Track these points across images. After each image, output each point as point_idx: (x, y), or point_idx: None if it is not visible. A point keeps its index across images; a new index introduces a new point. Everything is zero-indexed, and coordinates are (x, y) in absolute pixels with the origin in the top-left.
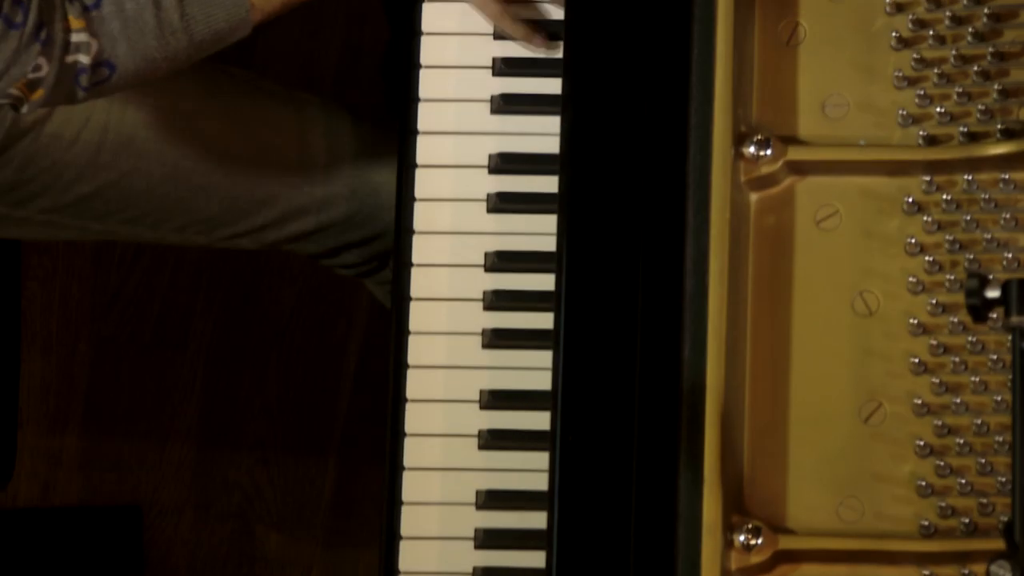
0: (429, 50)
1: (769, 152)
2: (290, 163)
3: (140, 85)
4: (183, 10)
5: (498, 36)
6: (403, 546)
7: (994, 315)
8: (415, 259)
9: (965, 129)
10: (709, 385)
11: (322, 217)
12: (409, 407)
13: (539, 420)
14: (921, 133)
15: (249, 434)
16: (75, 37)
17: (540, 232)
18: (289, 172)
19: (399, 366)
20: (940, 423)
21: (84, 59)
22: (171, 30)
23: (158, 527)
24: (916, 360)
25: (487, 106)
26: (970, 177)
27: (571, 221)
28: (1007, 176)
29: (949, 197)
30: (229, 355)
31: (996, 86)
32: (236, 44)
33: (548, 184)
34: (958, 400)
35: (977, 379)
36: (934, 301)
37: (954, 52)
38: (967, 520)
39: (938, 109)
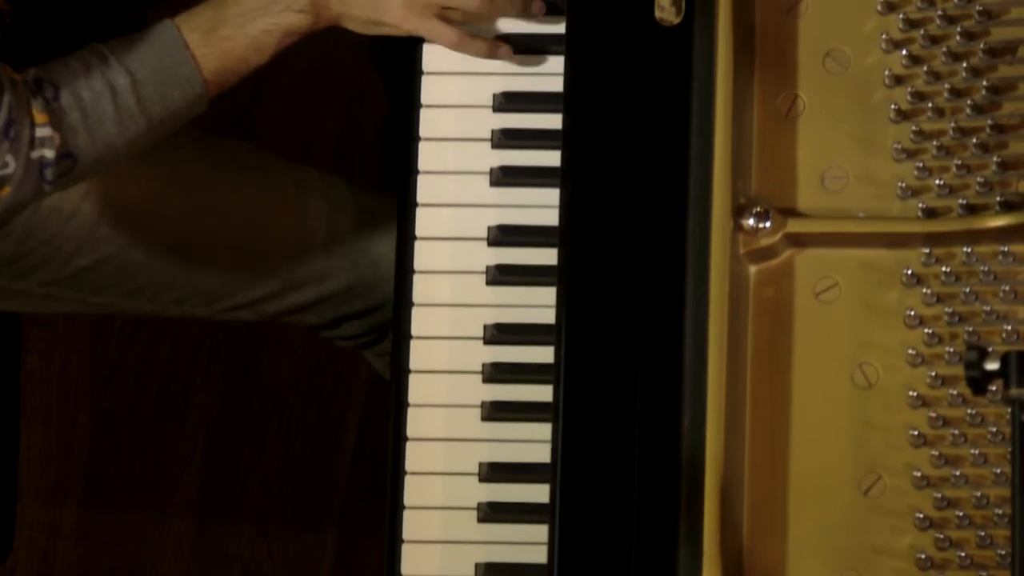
0: (428, 123)
1: (768, 224)
2: (290, 235)
3: (103, 172)
4: (138, 93)
5: (497, 109)
6: None
7: (993, 387)
8: (415, 331)
9: (964, 202)
10: (708, 457)
11: (322, 288)
12: (408, 479)
13: (539, 493)
14: (920, 205)
15: (248, 507)
16: (39, 132)
17: (539, 304)
18: (289, 244)
19: (398, 438)
20: (940, 496)
21: (49, 153)
22: (128, 114)
23: None
24: (915, 432)
25: (486, 178)
26: (969, 249)
27: (570, 293)
28: (1006, 248)
29: (948, 269)
30: (229, 427)
31: (995, 159)
32: (235, 115)
33: (547, 256)
34: (957, 473)
35: (977, 452)
36: (933, 373)
37: (953, 124)
38: None
39: (937, 181)
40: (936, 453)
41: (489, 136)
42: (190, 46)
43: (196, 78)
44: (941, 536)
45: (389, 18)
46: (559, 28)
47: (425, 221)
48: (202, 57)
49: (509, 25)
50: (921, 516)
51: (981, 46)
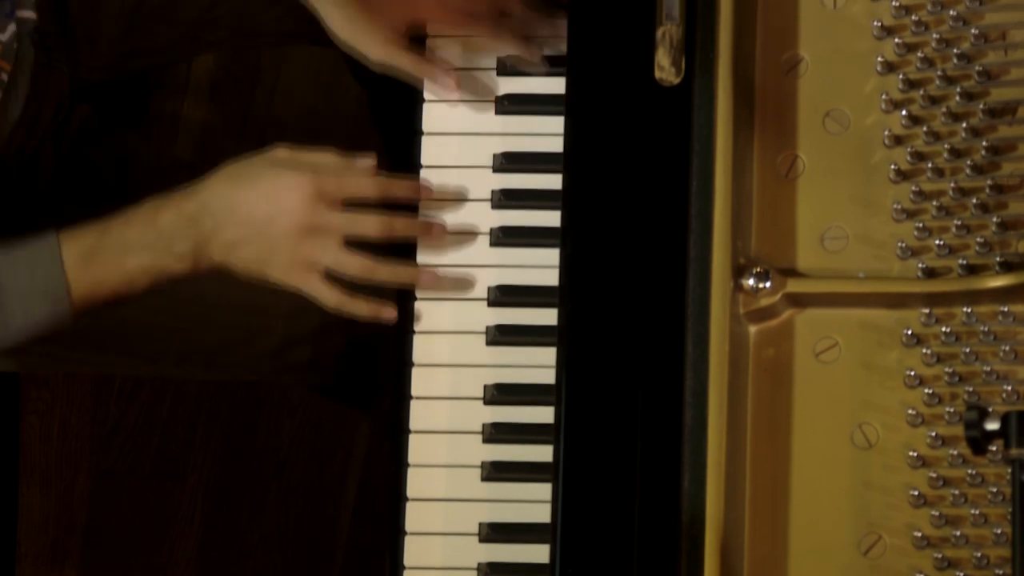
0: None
1: (768, 284)
2: (287, 294)
3: None
4: (2, 301)
5: (497, 169)
6: None
7: (993, 447)
8: (414, 391)
9: (964, 262)
10: (708, 517)
11: (320, 347)
12: (408, 540)
13: (539, 553)
14: (920, 265)
15: (248, 567)
16: None
17: (540, 365)
18: (287, 302)
19: (398, 498)
20: (940, 556)
21: None
22: None
23: None
24: (915, 492)
25: (486, 238)
26: (969, 309)
27: (571, 353)
28: (1006, 308)
29: (948, 329)
30: (228, 487)
31: (995, 219)
32: None
33: (548, 317)
34: (958, 533)
35: (977, 512)
36: (933, 433)
37: (953, 185)
38: None
39: (937, 241)
40: (936, 513)
41: (489, 196)
42: (66, 267)
43: (64, 299)
44: None
45: (273, 274)
46: (559, 88)
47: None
48: (75, 282)
49: (509, 85)
50: None
51: (981, 106)
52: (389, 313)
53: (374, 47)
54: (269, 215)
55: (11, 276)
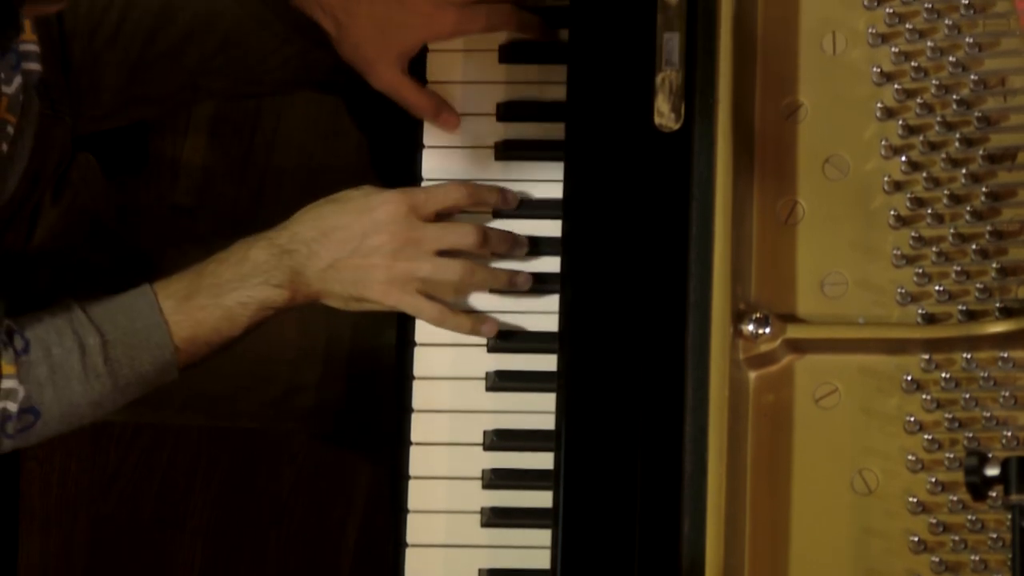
0: None
1: (768, 330)
2: (291, 341)
3: (65, 431)
4: (107, 354)
5: (497, 215)
6: None
7: (993, 493)
8: (414, 437)
9: (964, 307)
10: (708, 562)
11: (322, 395)
12: None
13: None
14: (920, 311)
15: None
16: (5, 383)
17: (539, 411)
18: (289, 350)
19: (398, 544)
20: None
21: (12, 406)
22: (96, 374)
23: None
24: (915, 539)
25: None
26: (969, 355)
27: (570, 399)
28: (1006, 354)
29: (948, 375)
30: (228, 534)
31: (994, 264)
32: (236, 224)
33: (547, 363)
34: None
35: (977, 558)
36: (933, 479)
37: (952, 231)
38: None
39: (937, 287)
40: (936, 559)
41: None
42: (164, 312)
43: (167, 344)
44: None
45: (371, 294)
46: (559, 134)
47: (424, 326)
48: (175, 324)
49: (508, 131)
50: None
51: (980, 152)
52: (489, 328)
53: (381, 74)
54: (363, 232)
55: (112, 327)
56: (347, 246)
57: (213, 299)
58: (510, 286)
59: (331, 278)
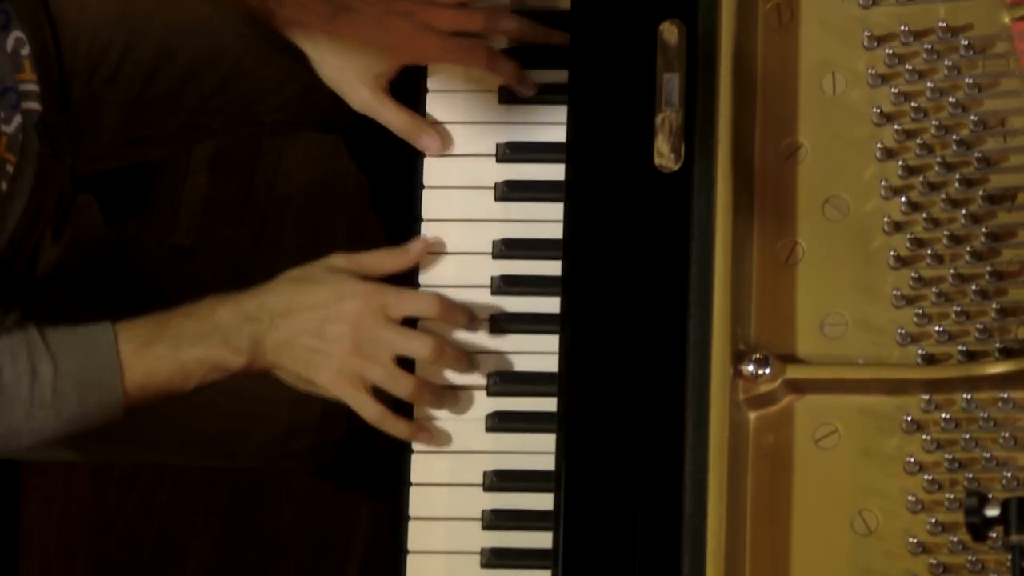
0: (428, 270)
1: (768, 371)
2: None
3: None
4: (56, 385)
5: (497, 256)
6: None
7: (994, 534)
8: (414, 478)
9: (964, 348)
10: None
11: (321, 435)
12: None
13: None
14: (920, 352)
15: None
16: None
17: (539, 451)
18: (288, 391)
19: None
20: None
21: None
22: (40, 404)
23: None
24: None
25: (486, 325)
26: (969, 396)
27: (570, 440)
28: (1006, 395)
29: (948, 416)
30: (228, 574)
31: (994, 305)
32: (237, 262)
33: (547, 404)
34: None
35: None
36: (933, 520)
37: (952, 271)
38: None
39: (936, 328)
40: None
41: (489, 283)
42: (121, 355)
43: (117, 387)
44: None
45: (320, 380)
46: (559, 174)
47: (424, 367)
48: (129, 369)
49: (508, 172)
50: None
51: (980, 193)
52: (425, 436)
53: (361, 95)
54: (327, 318)
55: (67, 359)
56: (309, 327)
57: (171, 351)
58: (452, 407)
59: (286, 354)
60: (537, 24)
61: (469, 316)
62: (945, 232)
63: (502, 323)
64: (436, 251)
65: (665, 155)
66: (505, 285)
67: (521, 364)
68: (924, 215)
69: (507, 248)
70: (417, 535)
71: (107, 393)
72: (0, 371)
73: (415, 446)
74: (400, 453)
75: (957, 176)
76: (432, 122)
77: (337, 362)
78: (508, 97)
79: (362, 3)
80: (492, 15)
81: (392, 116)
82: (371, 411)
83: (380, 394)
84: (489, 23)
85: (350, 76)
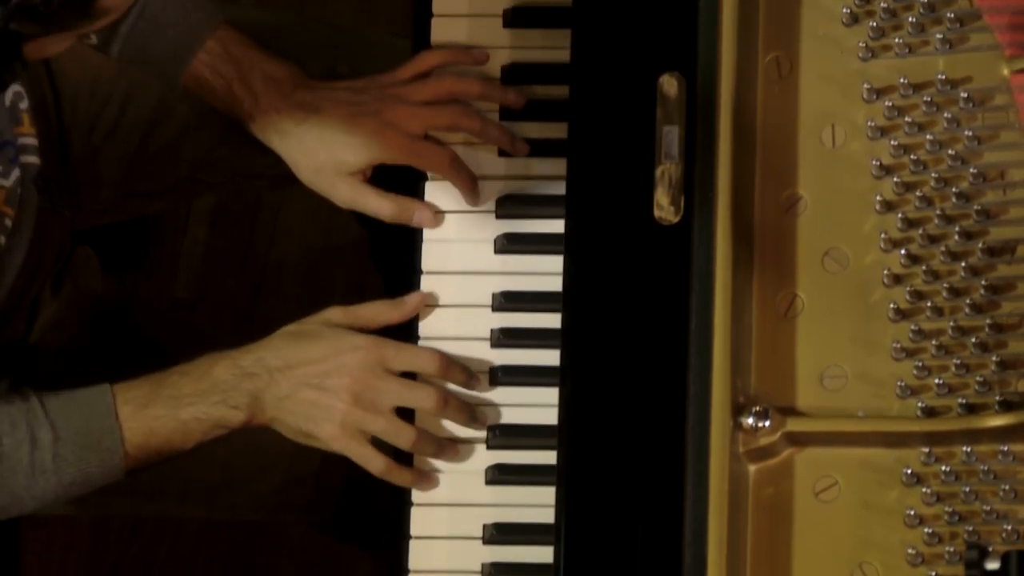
0: (428, 323)
1: (767, 423)
2: None
3: (2, 518)
4: (56, 451)
5: (497, 308)
6: None
7: None
8: (414, 531)
9: (964, 401)
10: None
11: (321, 486)
12: None
13: None
14: (920, 404)
15: None
16: None
17: (538, 504)
18: (287, 441)
19: None
20: None
21: None
22: (42, 470)
23: None
24: None
25: (485, 377)
26: (969, 449)
27: (569, 493)
28: (1006, 448)
29: (948, 468)
30: None
31: (994, 358)
32: (236, 312)
33: (547, 457)
34: None
35: None
36: (934, 573)
37: (952, 324)
38: None
39: (936, 381)
40: None
41: (488, 336)
42: (120, 417)
43: (117, 449)
44: None
45: (321, 434)
46: (558, 227)
47: (423, 419)
48: (128, 431)
49: (508, 226)
50: None
51: (980, 246)
52: (429, 483)
53: (342, 191)
54: (326, 372)
55: (66, 424)
56: (308, 382)
57: (170, 410)
58: (454, 458)
59: (286, 409)
60: (500, 125)
61: (468, 374)
62: (945, 285)
63: (502, 375)
64: (434, 304)
65: (665, 207)
66: (505, 338)
67: (521, 417)
68: (924, 267)
69: (507, 301)
70: None
71: (108, 456)
72: (0, 439)
73: (415, 498)
74: (400, 505)
75: (957, 228)
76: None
77: (339, 415)
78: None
79: (332, 103)
80: (457, 113)
81: (377, 205)
82: (376, 463)
83: (379, 444)
84: (453, 120)
85: (327, 175)
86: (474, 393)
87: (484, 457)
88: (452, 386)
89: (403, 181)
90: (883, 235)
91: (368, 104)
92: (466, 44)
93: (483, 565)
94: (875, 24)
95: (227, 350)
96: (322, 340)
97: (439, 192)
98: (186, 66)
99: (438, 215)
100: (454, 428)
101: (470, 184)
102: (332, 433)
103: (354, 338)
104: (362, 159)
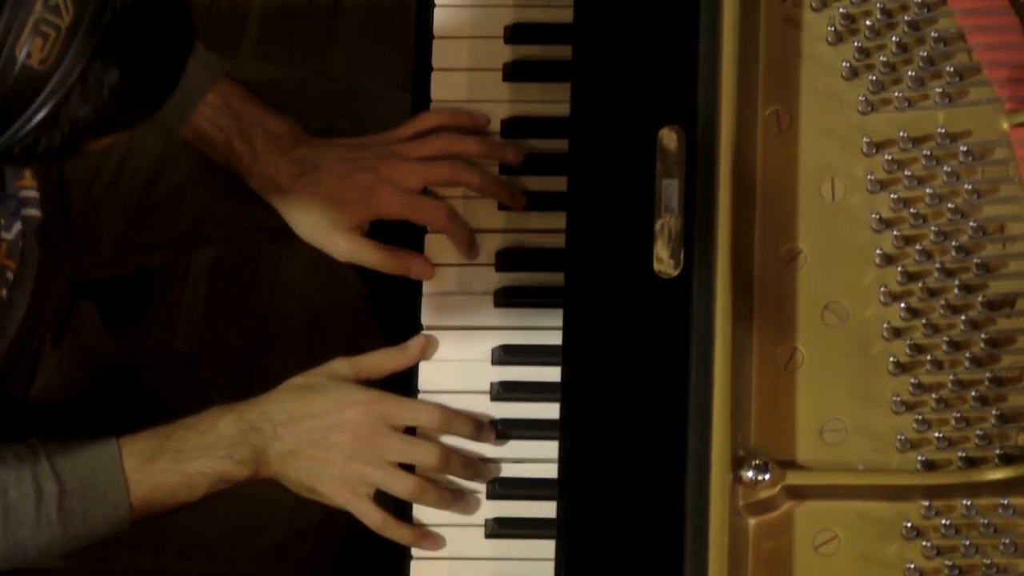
0: (427, 376)
1: (767, 477)
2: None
3: (6, 568)
4: (61, 504)
5: (496, 362)
6: None
7: None
8: None
9: (964, 454)
10: None
11: (321, 541)
12: None
13: None
14: (919, 458)
15: None
16: None
17: (539, 558)
18: (288, 496)
19: None
20: None
21: None
22: (47, 522)
23: None
24: None
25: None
26: (969, 502)
27: (569, 546)
28: (1006, 501)
29: (948, 522)
30: None
31: (994, 411)
32: (236, 369)
33: (547, 509)
34: None
35: None
36: None
37: (952, 377)
38: None
39: (936, 434)
40: None
41: (488, 389)
42: (126, 470)
43: (123, 503)
44: None
45: (322, 488)
46: (557, 280)
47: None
48: (134, 484)
49: (507, 279)
50: None
51: (980, 299)
52: (429, 543)
53: (340, 245)
54: (329, 427)
55: (72, 477)
56: (311, 436)
57: (175, 464)
58: (455, 508)
59: (290, 464)
60: (499, 179)
61: (475, 426)
62: (944, 338)
63: (502, 429)
64: (434, 355)
65: (664, 261)
66: (504, 391)
67: (520, 470)
68: (923, 321)
69: (506, 354)
70: None
71: (113, 509)
72: (5, 492)
73: (415, 552)
74: (399, 560)
75: (956, 282)
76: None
77: (338, 470)
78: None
79: (330, 160)
80: (455, 168)
81: (375, 258)
82: (374, 518)
83: (381, 499)
84: (452, 175)
85: (324, 230)
86: (474, 446)
87: (484, 510)
88: (457, 440)
89: (404, 234)
90: (883, 288)
91: (366, 160)
92: (466, 98)
93: None
94: (875, 78)
95: (231, 403)
96: (326, 394)
97: (438, 245)
98: (187, 119)
99: (436, 267)
100: (454, 479)
101: (467, 239)
102: (332, 488)
103: (356, 393)
104: (359, 215)
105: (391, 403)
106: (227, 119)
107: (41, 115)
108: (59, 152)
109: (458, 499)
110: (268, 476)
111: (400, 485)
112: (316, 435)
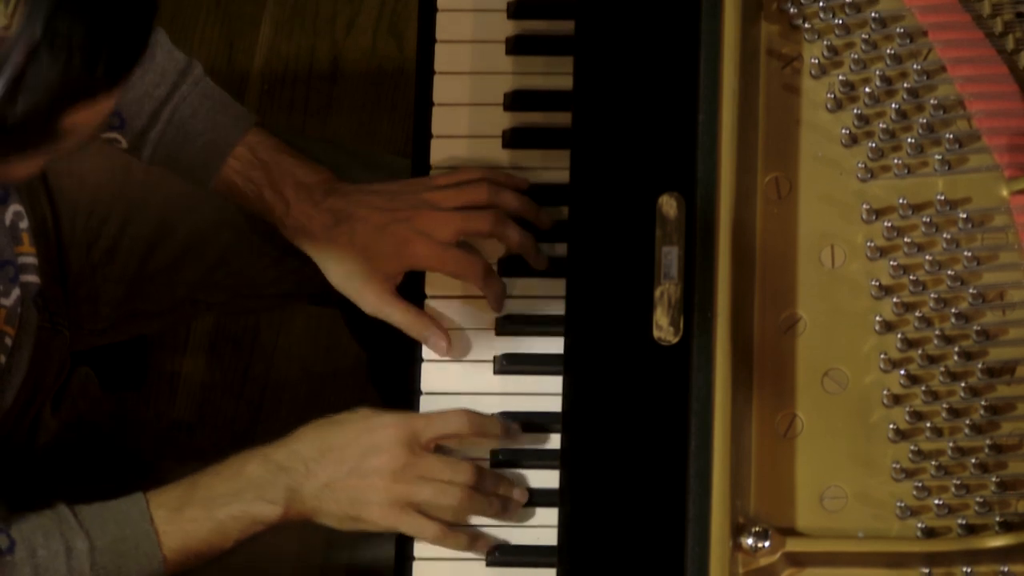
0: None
1: (767, 544)
2: (289, 554)
3: None
4: (94, 559)
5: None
6: None
7: None
8: None
9: (963, 521)
10: None
11: None
12: None
13: None
14: (919, 525)
15: None
16: None
17: None
18: (287, 564)
19: None
20: None
21: None
22: None
23: None
24: None
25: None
26: (969, 569)
27: None
28: (1006, 568)
29: None
30: None
31: (994, 479)
32: (235, 436)
33: (548, 536)
34: None
35: None
36: None
37: (952, 444)
38: None
39: (936, 501)
40: None
41: (488, 456)
42: (155, 521)
43: (156, 554)
44: None
45: (368, 515)
46: (558, 347)
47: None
48: (165, 535)
49: (507, 345)
50: None
51: (979, 366)
52: (483, 545)
53: (369, 299)
54: (362, 454)
55: (101, 533)
56: (345, 466)
57: (205, 511)
58: (503, 515)
59: (327, 497)
60: (531, 236)
61: (503, 426)
62: (944, 405)
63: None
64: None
65: (664, 328)
66: (504, 458)
67: (520, 538)
68: (923, 388)
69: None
70: None
71: (147, 561)
72: (35, 552)
73: (417, 553)
74: (401, 560)
75: (956, 349)
76: (432, 296)
77: (382, 494)
78: (507, 270)
79: (365, 210)
80: (493, 219)
81: (400, 317)
82: (429, 531)
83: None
84: (492, 229)
85: (356, 282)
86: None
87: (484, 574)
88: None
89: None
90: (882, 355)
91: (400, 211)
92: (465, 164)
93: None
94: (874, 145)
95: (256, 447)
96: (351, 424)
97: (438, 310)
98: (216, 172)
99: (449, 346)
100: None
101: (500, 294)
102: (380, 512)
103: (381, 416)
104: (393, 267)
105: (418, 419)
106: (257, 171)
107: (9, 74)
108: (36, 125)
109: (508, 506)
110: (303, 514)
111: (450, 496)
112: (350, 463)
